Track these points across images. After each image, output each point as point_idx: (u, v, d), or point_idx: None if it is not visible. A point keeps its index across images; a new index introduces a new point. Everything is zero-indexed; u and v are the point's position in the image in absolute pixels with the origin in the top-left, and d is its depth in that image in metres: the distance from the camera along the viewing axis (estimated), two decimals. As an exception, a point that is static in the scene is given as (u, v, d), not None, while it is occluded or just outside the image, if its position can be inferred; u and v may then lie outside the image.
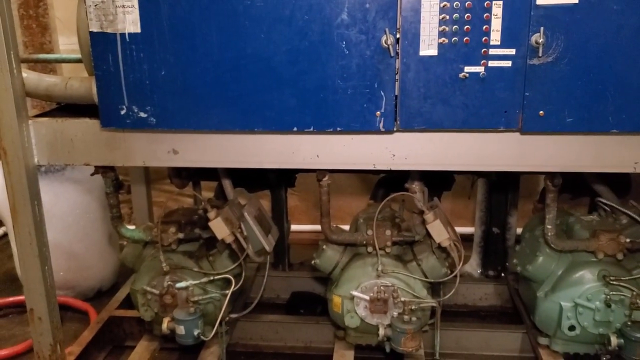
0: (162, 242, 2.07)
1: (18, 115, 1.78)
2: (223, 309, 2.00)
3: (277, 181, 2.64)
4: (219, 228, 2.00)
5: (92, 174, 2.05)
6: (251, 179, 2.43)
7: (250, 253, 2.11)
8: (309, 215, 3.63)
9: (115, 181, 2.06)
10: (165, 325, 2.03)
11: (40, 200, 1.91)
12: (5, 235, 3.66)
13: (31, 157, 1.85)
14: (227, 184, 2.21)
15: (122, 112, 1.72)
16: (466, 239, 2.29)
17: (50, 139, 1.85)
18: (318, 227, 3.51)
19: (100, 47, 1.67)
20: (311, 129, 1.67)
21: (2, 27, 1.70)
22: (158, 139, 1.80)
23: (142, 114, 1.71)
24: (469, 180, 2.72)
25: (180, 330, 2.00)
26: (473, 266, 2.72)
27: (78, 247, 2.76)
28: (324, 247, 2.12)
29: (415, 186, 2.05)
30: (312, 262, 2.16)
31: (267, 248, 2.21)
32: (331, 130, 1.66)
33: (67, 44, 3.16)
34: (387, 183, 2.47)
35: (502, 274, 2.70)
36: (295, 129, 1.67)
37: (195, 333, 2.01)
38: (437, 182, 2.35)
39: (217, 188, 2.43)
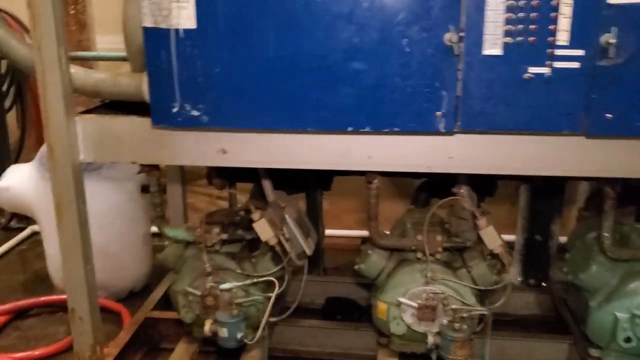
0: (205, 243, 2.03)
1: (66, 111, 1.76)
2: (267, 311, 1.96)
3: (314, 184, 2.60)
4: (264, 230, 1.96)
5: (138, 173, 2.02)
6: (288, 181, 2.39)
7: (293, 256, 2.07)
8: (340, 219, 3.59)
9: (159, 180, 2.02)
10: (207, 327, 1.99)
11: (84, 199, 1.88)
12: (33, 234, 3.65)
13: (77, 155, 1.83)
14: (267, 185, 2.17)
15: (174, 110, 1.68)
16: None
17: (97, 136, 1.82)
18: (349, 232, 3.51)
19: (154, 43, 1.64)
20: (366, 129, 1.63)
21: (54, 21, 1.68)
22: (207, 138, 1.76)
23: (195, 112, 1.68)
24: (510, 186, 2.66)
25: (224, 332, 1.96)
26: (513, 274, 2.66)
27: (113, 247, 2.74)
28: (370, 252, 2.07)
29: (464, 191, 2.00)
30: (356, 267, 2.11)
31: (308, 251, 2.17)
32: (387, 130, 1.62)
33: (102, 43, 3.15)
34: (429, 187, 2.41)
35: (543, 283, 2.63)
36: (350, 128, 1.63)
37: (239, 336, 1.97)
38: (481, 187, 2.29)
39: (253, 189, 2.39)
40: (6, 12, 3.08)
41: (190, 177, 3.33)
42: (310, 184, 2.56)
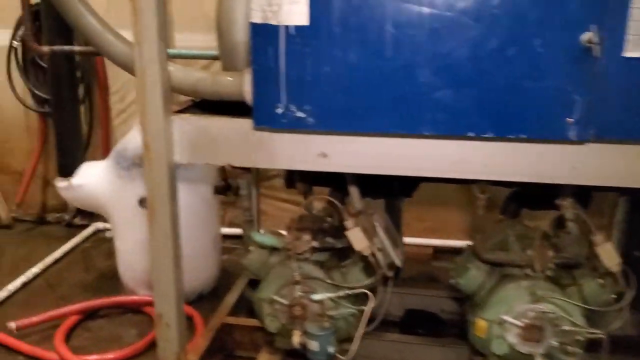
0: (295, 251, 1.94)
1: (164, 110, 1.69)
2: (362, 325, 1.86)
3: (397, 190, 2.48)
4: (358, 239, 1.87)
5: (223, 180, 1.94)
6: (369, 186, 2.28)
7: (384, 266, 1.96)
8: (408, 226, 3.46)
9: (249, 183, 1.94)
10: (297, 339, 1.90)
11: (177, 201, 1.81)
12: (97, 231, 3.63)
13: (172, 155, 1.75)
14: (355, 192, 2.06)
15: (278, 111, 1.59)
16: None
17: (193, 136, 1.74)
18: (419, 240, 3.39)
19: (261, 40, 1.56)
20: (488, 135, 1.51)
21: (157, 16, 1.61)
22: (307, 141, 1.67)
23: (300, 114, 1.59)
24: (604, 198, 2.51)
25: (314, 346, 1.87)
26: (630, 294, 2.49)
27: (186, 249, 2.65)
28: (469, 265, 1.95)
29: (569, 203, 1.87)
30: (452, 281, 2.00)
31: (397, 262, 2.06)
32: (512, 137, 1.50)
33: (179, 41, 3.09)
34: (520, 198, 2.28)
35: (640, 302, 2.47)
36: (470, 134, 1.52)
37: (330, 350, 1.87)
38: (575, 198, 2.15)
39: (331, 195, 2.29)
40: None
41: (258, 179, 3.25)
42: (393, 189, 2.44)
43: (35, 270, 3.06)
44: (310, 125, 1.59)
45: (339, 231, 2.00)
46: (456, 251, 3.35)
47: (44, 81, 3.53)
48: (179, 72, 1.72)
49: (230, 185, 2.70)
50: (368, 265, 1.96)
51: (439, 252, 3.32)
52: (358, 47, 1.50)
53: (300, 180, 2.18)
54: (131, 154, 2.62)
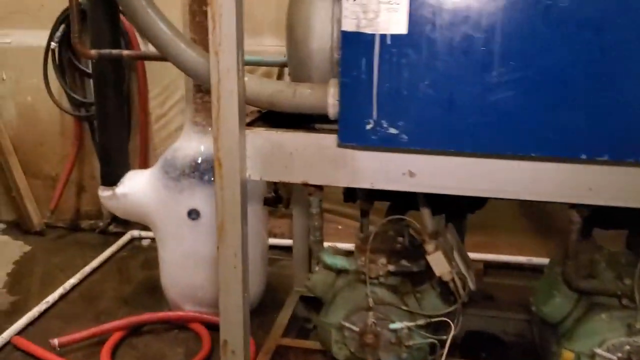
0: (369, 274, 1.81)
1: (240, 123, 1.57)
2: (444, 356, 1.73)
3: (465, 206, 2.35)
4: (439, 263, 1.74)
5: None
6: (436, 202, 2.15)
7: (461, 291, 1.83)
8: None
9: (321, 201, 1.81)
10: (370, 369, 1.77)
11: (247, 220, 1.68)
12: (132, 239, 3.52)
13: (245, 172, 1.63)
14: (427, 212, 1.93)
15: (368, 127, 1.47)
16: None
17: (266, 151, 1.62)
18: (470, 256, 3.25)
19: (353, 49, 1.43)
20: (604, 158, 1.38)
21: (236, 23, 1.49)
22: (394, 159, 1.54)
23: (392, 130, 1.46)
24: None
25: (389, 376, 1.74)
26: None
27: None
28: (554, 292, 1.81)
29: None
30: (533, 308, 1.86)
31: (472, 285, 1.93)
32: (632, 161, 1.37)
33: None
34: (592, 218, 2.14)
35: None
36: (583, 156, 1.39)
37: (405, 381, 1.74)
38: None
39: (389, 211, 2.15)
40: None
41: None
42: (461, 206, 2.31)
43: (72, 281, 2.95)
44: (403, 143, 1.46)
45: (414, 253, 1.87)
46: (507, 266, 3.23)
47: (81, 84, 3.43)
48: (255, 83, 1.60)
49: (281, 197, 2.59)
50: (444, 290, 1.83)
51: (489, 267, 3.18)
52: (460, 59, 1.37)
53: (364, 198, 2.06)
54: (180, 164, 2.50)
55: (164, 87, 3.36)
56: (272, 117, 1.72)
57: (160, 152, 3.46)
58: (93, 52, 2.37)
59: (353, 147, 1.54)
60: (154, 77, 3.35)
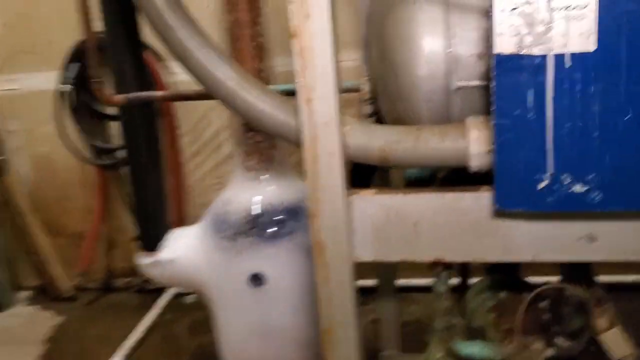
0: (520, 365, 1.37)
1: (345, 191, 1.14)
2: None
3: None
4: (618, 344, 1.30)
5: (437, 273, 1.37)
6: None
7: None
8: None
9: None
10: None
11: (359, 320, 1.25)
12: (176, 296, 3.10)
13: (354, 252, 1.20)
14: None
15: (541, 185, 1.03)
16: None
17: (380, 222, 1.19)
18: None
19: (512, 78, 0.99)
20: None
21: (332, 64, 1.06)
22: (568, 222, 1.10)
23: (578, 187, 1.02)
24: None
25: None
26: None
27: (310, 332, 2.12)
28: None
29: None
30: None
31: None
32: None
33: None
34: None
35: None
36: None
37: None
38: None
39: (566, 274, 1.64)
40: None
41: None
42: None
43: (116, 360, 2.54)
44: (595, 204, 1.02)
45: (569, 325, 1.43)
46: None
47: (100, 128, 3.02)
48: (361, 133, 1.16)
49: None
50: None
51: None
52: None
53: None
54: (235, 219, 2.07)
55: (196, 121, 2.95)
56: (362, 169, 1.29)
57: (197, 196, 3.07)
58: (120, 97, 1.95)
59: (514, 215, 1.10)
60: (185, 110, 2.93)
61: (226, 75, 1.17)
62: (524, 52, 0.97)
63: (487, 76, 1.21)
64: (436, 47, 1.23)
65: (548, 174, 1.02)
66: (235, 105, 1.19)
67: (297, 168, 2.88)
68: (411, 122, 1.30)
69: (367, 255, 1.21)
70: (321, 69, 1.06)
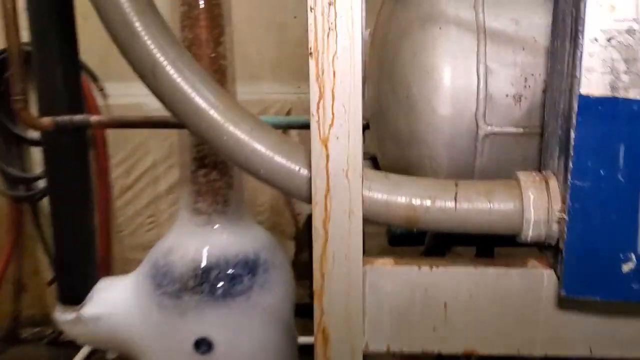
0: None
1: (358, 268, 0.86)
2: None
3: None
4: None
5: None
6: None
7: None
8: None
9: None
10: None
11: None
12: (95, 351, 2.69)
13: (364, 340, 0.92)
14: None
15: (627, 268, 0.79)
16: None
17: (401, 303, 0.92)
18: None
19: (599, 128, 0.76)
20: None
21: (358, 87, 0.80)
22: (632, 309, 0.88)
23: (673, 272, 0.79)
24: None
25: None
26: None
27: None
28: None
29: None
30: None
31: None
32: None
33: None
34: None
35: None
36: None
37: None
38: None
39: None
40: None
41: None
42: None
43: None
44: (693, 295, 0.79)
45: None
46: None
47: (17, 153, 2.62)
48: (383, 188, 0.89)
49: None
50: None
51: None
52: None
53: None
54: (180, 272, 1.74)
55: (130, 151, 2.60)
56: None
57: (127, 236, 2.71)
58: (47, 120, 1.61)
59: (583, 304, 0.85)
60: (117, 139, 2.59)
61: (209, 102, 0.87)
62: (619, 94, 0.74)
63: (526, 122, 0.99)
64: (465, 83, 1.00)
65: (634, 254, 0.79)
66: (219, 142, 0.89)
67: (255, 213, 2.62)
68: (425, 172, 1.06)
69: (379, 344, 0.93)
70: (347, 98, 0.79)
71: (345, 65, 0.78)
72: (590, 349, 0.91)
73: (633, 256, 0.78)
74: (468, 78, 1.01)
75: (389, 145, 1.15)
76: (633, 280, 0.79)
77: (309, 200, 0.84)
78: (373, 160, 1.32)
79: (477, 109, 1.00)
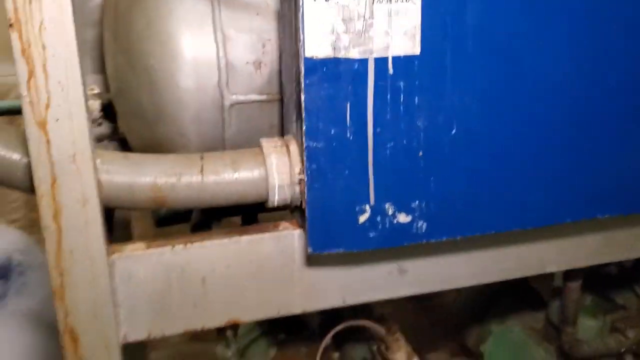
0: None
1: (104, 250, 0.80)
2: None
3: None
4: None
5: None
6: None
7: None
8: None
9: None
10: None
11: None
12: None
13: (120, 331, 0.86)
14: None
15: (363, 219, 0.84)
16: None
17: (158, 287, 0.87)
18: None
19: (326, 89, 0.79)
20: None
21: (77, 60, 0.72)
22: (376, 254, 0.95)
23: (402, 218, 0.86)
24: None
25: None
26: None
27: None
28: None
29: None
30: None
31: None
32: None
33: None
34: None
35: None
36: None
37: None
38: None
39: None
40: None
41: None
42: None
43: None
44: (421, 235, 0.87)
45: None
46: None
47: None
48: (120, 166, 0.83)
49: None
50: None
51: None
52: (521, 91, 0.84)
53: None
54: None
55: None
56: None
57: None
58: None
59: (329, 258, 0.89)
60: None
61: None
62: (339, 56, 0.77)
63: (267, 90, 1.00)
64: (204, 52, 0.97)
65: (369, 206, 0.84)
66: None
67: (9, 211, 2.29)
68: (175, 148, 1.01)
69: (139, 332, 0.88)
70: (62, 75, 0.71)
71: (56, 37, 0.70)
72: (343, 299, 0.96)
73: (367, 207, 0.83)
74: (207, 47, 0.97)
75: (136, 124, 1.07)
76: (369, 230, 0.84)
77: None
78: (122, 142, 1.23)
79: (219, 78, 0.97)
